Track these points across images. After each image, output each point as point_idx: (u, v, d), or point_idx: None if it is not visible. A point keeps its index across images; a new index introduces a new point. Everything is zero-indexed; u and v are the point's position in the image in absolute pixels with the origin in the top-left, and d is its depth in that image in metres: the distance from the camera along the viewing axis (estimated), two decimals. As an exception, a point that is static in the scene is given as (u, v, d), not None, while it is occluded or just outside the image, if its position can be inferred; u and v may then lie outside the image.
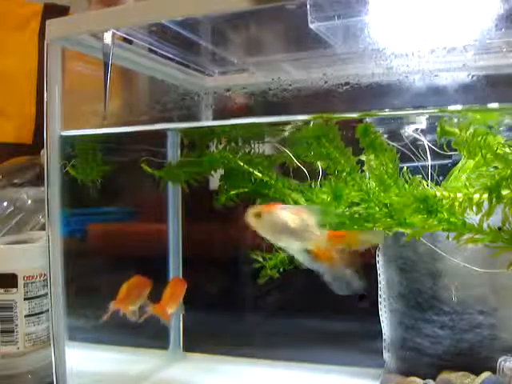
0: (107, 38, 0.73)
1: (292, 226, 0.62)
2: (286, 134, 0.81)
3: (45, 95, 0.74)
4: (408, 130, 0.75)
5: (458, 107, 0.67)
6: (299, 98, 0.84)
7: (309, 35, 0.72)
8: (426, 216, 0.64)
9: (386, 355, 0.82)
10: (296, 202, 0.75)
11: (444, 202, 0.64)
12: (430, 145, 0.71)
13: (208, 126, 0.92)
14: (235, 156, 0.81)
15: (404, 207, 0.65)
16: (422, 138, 0.72)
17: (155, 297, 0.83)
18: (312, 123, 0.74)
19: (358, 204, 0.70)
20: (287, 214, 0.62)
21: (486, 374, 0.69)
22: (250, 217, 0.63)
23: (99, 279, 1.05)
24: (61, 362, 0.76)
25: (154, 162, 0.88)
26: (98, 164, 0.89)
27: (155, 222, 1.13)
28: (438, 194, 0.65)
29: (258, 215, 0.63)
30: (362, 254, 0.66)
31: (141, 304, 0.80)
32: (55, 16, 0.76)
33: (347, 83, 0.79)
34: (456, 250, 0.70)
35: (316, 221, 0.63)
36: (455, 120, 0.67)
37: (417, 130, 0.74)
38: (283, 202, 0.77)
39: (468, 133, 0.64)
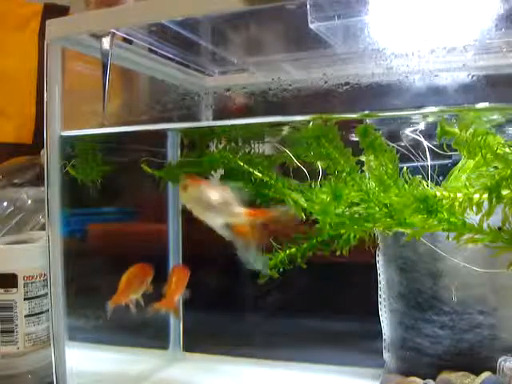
0: (105, 42, 0.73)
1: (214, 202, 0.66)
2: (286, 134, 0.81)
3: (45, 95, 0.74)
4: (408, 130, 0.75)
5: (458, 107, 0.67)
6: (299, 98, 0.84)
7: (309, 35, 0.72)
8: (425, 216, 0.64)
9: (386, 355, 0.82)
10: (296, 202, 0.75)
11: (444, 202, 0.64)
12: (429, 145, 0.71)
13: (208, 126, 0.92)
14: (235, 156, 0.81)
15: (404, 207, 0.65)
16: (422, 139, 0.72)
17: (157, 292, 0.83)
18: (312, 123, 0.74)
19: (357, 204, 0.70)
20: (210, 190, 0.67)
21: (486, 374, 0.69)
22: (180, 188, 0.69)
23: (99, 279, 1.05)
24: (61, 361, 0.76)
25: (154, 162, 0.88)
26: (97, 164, 0.89)
27: (155, 222, 1.13)
28: (438, 194, 0.65)
29: (185, 188, 0.68)
30: (273, 231, 0.71)
31: (144, 292, 0.78)
32: (55, 16, 0.76)
33: (347, 83, 0.79)
34: (456, 250, 0.70)
35: (237, 199, 0.67)
36: (455, 120, 0.67)
37: (415, 130, 0.74)
38: (283, 202, 0.77)
39: (468, 133, 0.64)
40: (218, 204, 0.67)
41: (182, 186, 0.69)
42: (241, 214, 0.67)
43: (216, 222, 0.67)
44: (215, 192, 0.67)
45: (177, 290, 0.80)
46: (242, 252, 0.68)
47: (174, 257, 1.00)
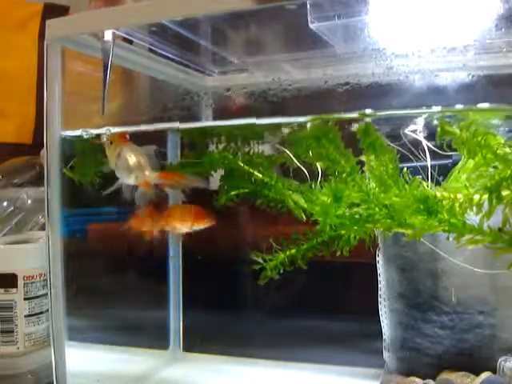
0: (107, 35, 0.74)
1: (129, 161, 0.75)
2: (286, 134, 0.81)
3: (45, 95, 0.74)
4: (408, 131, 0.75)
5: (458, 107, 0.67)
6: (299, 98, 0.84)
7: (309, 35, 0.72)
8: (426, 217, 0.64)
9: (386, 355, 0.82)
10: (296, 203, 0.75)
11: (444, 202, 0.64)
12: (429, 145, 0.71)
13: (208, 126, 0.92)
14: (235, 156, 0.81)
15: (404, 208, 0.65)
16: (421, 139, 0.72)
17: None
18: (312, 124, 0.74)
19: (358, 205, 0.70)
20: (129, 151, 0.75)
21: (486, 374, 0.69)
22: (106, 141, 0.78)
23: (99, 279, 1.05)
24: (61, 361, 0.76)
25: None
26: (98, 164, 0.89)
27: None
28: (438, 194, 0.65)
29: (111, 142, 0.77)
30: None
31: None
32: (55, 16, 0.76)
33: (347, 83, 0.79)
34: (456, 250, 0.70)
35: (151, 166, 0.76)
36: (455, 120, 0.67)
37: (415, 131, 0.74)
38: (283, 202, 0.77)
39: (468, 133, 0.64)
40: (132, 165, 0.75)
41: (108, 140, 0.77)
42: (151, 177, 0.76)
43: (128, 180, 0.76)
44: (133, 155, 0.75)
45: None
46: (139, 199, 0.79)
47: (174, 257, 1.00)
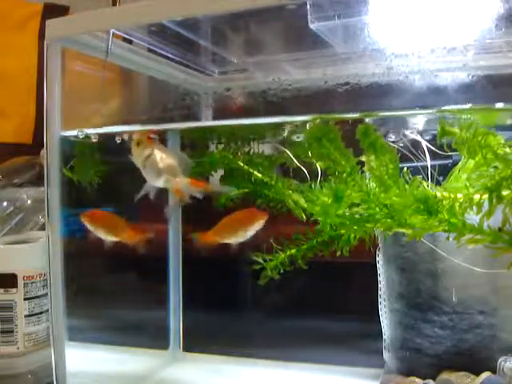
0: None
1: (159, 164, 0.72)
2: (286, 134, 0.81)
3: (45, 95, 0.74)
4: (408, 131, 0.75)
5: (458, 107, 0.67)
6: (299, 98, 0.84)
7: (309, 35, 0.72)
8: (426, 217, 0.64)
9: (386, 355, 0.82)
10: (296, 203, 0.75)
11: (444, 202, 0.64)
12: (429, 145, 0.71)
13: (208, 126, 0.92)
14: (235, 156, 0.81)
15: (404, 208, 0.65)
16: (421, 139, 0.72)
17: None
18: (312, 123, 0.74)
19: (358, 205, 0.70)
20: (160, 153, 0.72)
21: (486, 374, 0.69)
22: (133, 142, 0.73)
23: (99, 279, 1.05)
24: (61, 362, 0.76)
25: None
26: (97, 164, 0.89)
27: (155, 222, 1.13)
28: (439, 194, 0.65)
29: (138, 144, 0.73)
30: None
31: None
32: (55, 16, 0.76)
33: (347, 83, 0.79)
34: (456, 250, 0.70)
35: (182, 169, 0.73)
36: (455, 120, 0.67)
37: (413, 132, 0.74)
38: (283, 202, 0.77)
39: (468, 133, 0.64)
40: (163, 168, 0.72)
41: (135, 141, 0.73)
42: (182, 183, 0.72)
43: (157, 182, 0.73)
44: (164, 157, 0.72)
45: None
46: (171, 204, 0.78)
47: (174, 257, 1.00)
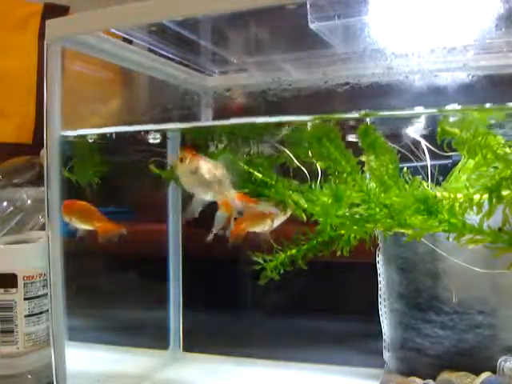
0: None
1: (208, 178, 0.70)
2: (286, 134, 0.81)
3: (45, 95, 0.74)
4: (408, 131, 0.75)
5: (458, 107, 0.67)
6: (299, 98, 0.84)
7: (309, 35, 0.72)
8: (426, 217, 0.64)
9: (386, 355, 0.82)
10: (296, 203, 0.75)
11: (444, 202, 0.64)
12: (428, 145, 0.71)
13: (208, 126, 0.92)
14: (235, 156, 0.81)
15: (404, 208, 0.65)
16: (421, 139, 0.72)
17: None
18: (312, 123, 0.74)
19: (358, 205, 0.70)
20: (206, 166, 0.70)
21: (486, 374, 0.69)
22: (175, 161, 0.72)
23: (99, 279, 1.05)
24: (61, 362, 0.76)
25: (155, 162, 0.88)
26: (97, 164, 0.89)
27: (155, 221, 1.13)
28: (439, 194, 0.65)
29: (183, 160, 0.71)
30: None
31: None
32: (55, 16, 0.76)
33: (347, 83, 0.79)
34: (456, 250, 0.70)
35: (229, 179, 0.71)
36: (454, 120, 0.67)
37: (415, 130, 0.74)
38: (283, 202, 0.77)
39: (468, 133, 0.64)
40: (212, 181, 0.70)
41: (180, 157, 0.71)
42: (231, 195, 0.71)
43: (205, 197, 0.71)
44: (211, 169, 0.70)
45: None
46: (218, 224, 0.72)
47: (174, 257, 1.00)
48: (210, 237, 0.73)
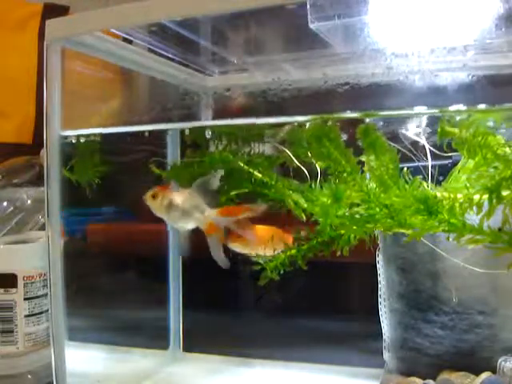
0: None
1: (185, 208, 0.70)
2: (286, 134, 0.81)
3: (45, 95, 0.74)
4: (407, 131, 0.74)
5: (458, 107, 0.67)
6: (299, 98, 0.84)
7: (309, 35, 0.72)
8: (426, 217, 0.64)
9: (386, 355, 0.82)
10: (296, 203, 0.75)
11: (444, 202, 0.64)
12: (428, 145, 0.71)
13: (208, 126, 0.92)
14: (235, 156, 0.81)
15: (404, 208, 0.65)
16: (421, 139, 0.72)
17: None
18: (312, 123, 0.74)
19: (358, 205, 0.70)
20: (179, 197, 0.71)
21: (486, 374, 0.69)
22: (147, 198, 0.72)
23: (99, 279, 1.05)
24: (61, 362, 0.76)
25: (155, 162, 0.88)
26: (97, 164, 0.89)
27: (155, 221, 1.13)
28: (439, 194, 0.65)
29: (154, 196, 0.72)
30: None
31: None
32: (55, 16, 0.76)
33: (347, 83, 0.79)
34: (456, 250, 0.70)
35: (204, 200, 0.71)
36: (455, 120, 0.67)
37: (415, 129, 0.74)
38: (283, 202, 0.77)
39: (468, 133, 0.64)
40: (189, 210, 0.70)
41: (150, 194, 0.72)
42: (212, 214, 0.70)
43: (188, 226, 0.71)
44: (184, 198, 0.71)
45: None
46: (215, 250, 0.71)
47: (174, 257, 1.00)
48: (227, 264, 0.72)
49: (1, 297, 0.83)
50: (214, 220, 0.70)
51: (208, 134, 0.80)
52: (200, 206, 0.70)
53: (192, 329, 1.01)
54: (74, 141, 0.83)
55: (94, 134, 0.85)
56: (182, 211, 0.71)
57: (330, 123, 0.73)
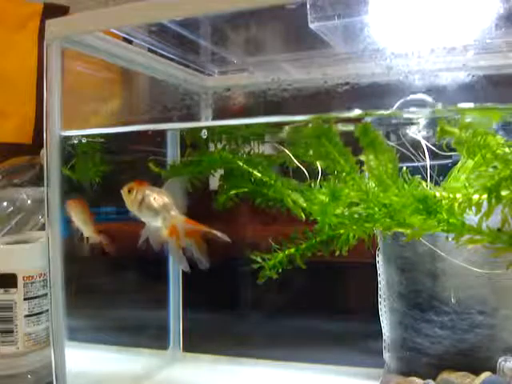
0: None
1: (155, 206, 0.72)
2: (286, 134, 0.81)
3: (45, 95, 0.74)
4: (408, 130, 0.75)
5: (458, 107, 0.67)
6: (299, 98, 0.84)
7: (309, 35, 0.72)
8: (425, 216, 0.64)
9: (386, 355, 0.82)
10: (295, 202, 0.75)
11: (443, 202, 0.64)
12: (428, 145, 0.71)
13: (208, 126, 0.92)
14: (235, 156, 0.81)
15: (403, 207, 0.65)
16: (421, 139, 0.72)
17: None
18: (312, 123, 0.74)
19: (357, 204, 0.70)
20: (152, 195, 0.73)
21: (486, 374, 0.69)
22: (124, 192, 0.74)
23: (99, 279, 1.05)
24: (61, 362, 0.75)
25: (153, 160, 0.88)
26: (97, 164, 0.89)
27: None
28: (438, 194, 0.65)
29: (129, 191, 0.74)
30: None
31: None
32: (55, 16, 0.76)
33: (347, 83, 0.79)
34: (456, 250, 0.70)
35: (175, 203, 0.73)
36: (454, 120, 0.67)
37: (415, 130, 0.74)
38: (282, 201, 0.77)
39: (468, 133, 0.64)
40: (158, 208, 0.73)
41: (126, 188, 0.74)
42: (178, 219, 0.73)
43: (154, 223, 0.73)
44: (157, 197, 0.73)
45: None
46: (174, 251, 0.73)
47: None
48: (187, 266, 0.74)
49: (1, 297, 0.83)
50: (178, 225, 0.72)
51: (204, 134, 0.80)
52: (169, 206, 0.73)
53: (192, 329, 1.01)
54: (75, 141, 0.83)
55: (94, 134, 0.85)
56: (153, 207, 0.73)
57: (329, 123, 0.73)
